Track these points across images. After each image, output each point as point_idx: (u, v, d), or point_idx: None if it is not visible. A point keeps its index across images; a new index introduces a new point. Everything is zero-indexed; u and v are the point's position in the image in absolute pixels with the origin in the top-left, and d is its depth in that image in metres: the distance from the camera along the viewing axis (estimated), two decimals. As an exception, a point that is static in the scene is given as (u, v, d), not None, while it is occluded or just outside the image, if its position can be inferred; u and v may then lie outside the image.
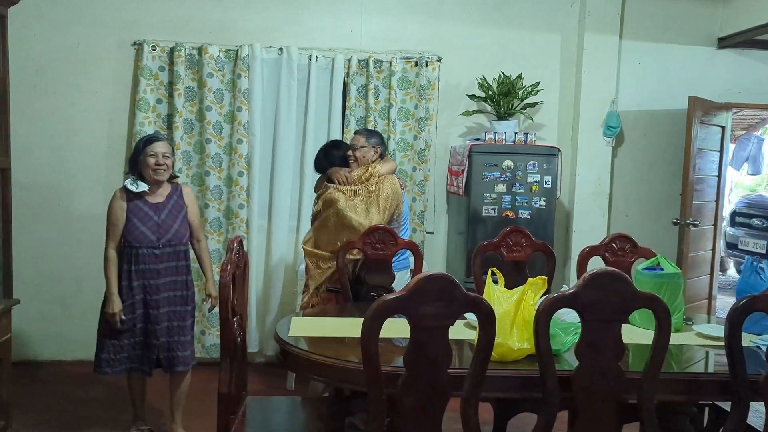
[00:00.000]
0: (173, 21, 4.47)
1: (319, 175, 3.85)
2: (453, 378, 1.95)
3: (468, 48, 4.74)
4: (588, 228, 4.73)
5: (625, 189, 4.93)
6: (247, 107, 4.44)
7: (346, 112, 4.56)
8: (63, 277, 4.49)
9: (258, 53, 4.44)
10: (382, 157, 3.68)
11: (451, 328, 1.92)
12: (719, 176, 5.05)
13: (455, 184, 4.49)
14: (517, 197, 4.32)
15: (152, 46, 4.38)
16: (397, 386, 1.93)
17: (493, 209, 4.30)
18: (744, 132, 9.26)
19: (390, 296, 1.89)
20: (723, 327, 2.16)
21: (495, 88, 4.56)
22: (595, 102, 4.75)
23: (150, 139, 3.20)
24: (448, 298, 1.88)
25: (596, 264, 2.96)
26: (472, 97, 4.65)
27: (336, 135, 4.48)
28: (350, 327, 2.53)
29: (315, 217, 3.68)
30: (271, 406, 3.00)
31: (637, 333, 2.60)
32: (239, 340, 2.53)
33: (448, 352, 1.93)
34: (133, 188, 3.12)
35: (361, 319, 1.89)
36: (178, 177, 3.41)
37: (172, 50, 4.39)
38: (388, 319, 1.87)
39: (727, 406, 2.32)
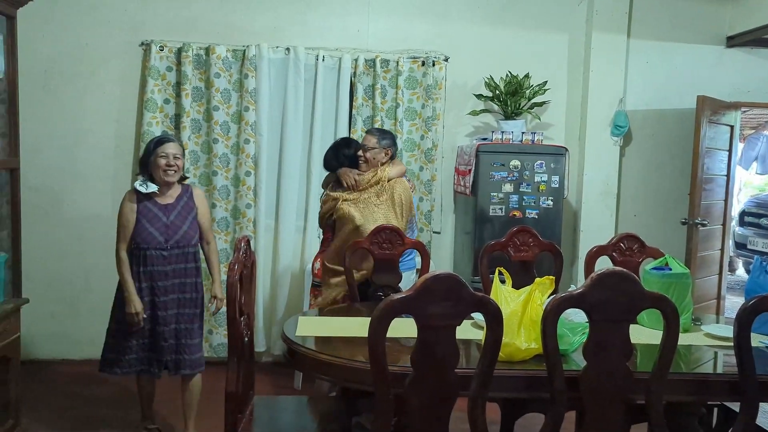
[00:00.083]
0: (181, 21, 4.48)
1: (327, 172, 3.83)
2: (460, 378, 1.95)
3: (475, 47, 4.73)
4: (596, 228, 4.71)
5: (633, 188, 4.91)
6: (254, 107, 4.45)
7: (353, 111, 4.56)
8: (72, 276, 4.51)
9: (265, 53, 4.45)
10: (392, 158, 3.62)
11: (458, 327, 1.92)
12: (728, 176, 5.03)
13: (462, 183, 4.48)
14: (525, 197, 4.31)
15: (160, 47, 4.39)
16: (404, 386, 1.93)
17: (501, 209, 4.29)
18: (753, 131, 9.22)
19: (397, 296, 1.89)
20: (732, 327, 2.15)
21: (502, 88, 4.56)
22: (603, 101, 4.73)
23: (161, 140, 3.19)
24: (456, 297, 1.88)
25: (604, 264, 2.94)
26: (479, 96, 4.65)
27: (343, 135, 4.47)
28: (357, 327, 2.53)
29: (322, 218, 3.66)
30: (279, 405, 3.01)
31: (645, 333, 2.60)
32: (246, 339, 2.54)
33: (455, 352, 1.93)
34: (142, 189, 3.12)
35: (368, 319, 1.89)
36: (188, 178, 3.40)
37: (179, 50, 4.41)
38: (396, 319, 1.87)
39: (735, 406, 2.30)
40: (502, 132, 4.41)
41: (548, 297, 2.21)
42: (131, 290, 3.10)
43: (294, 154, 4.54)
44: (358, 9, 4.64)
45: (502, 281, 2.40)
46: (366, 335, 1.89)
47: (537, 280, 2.28)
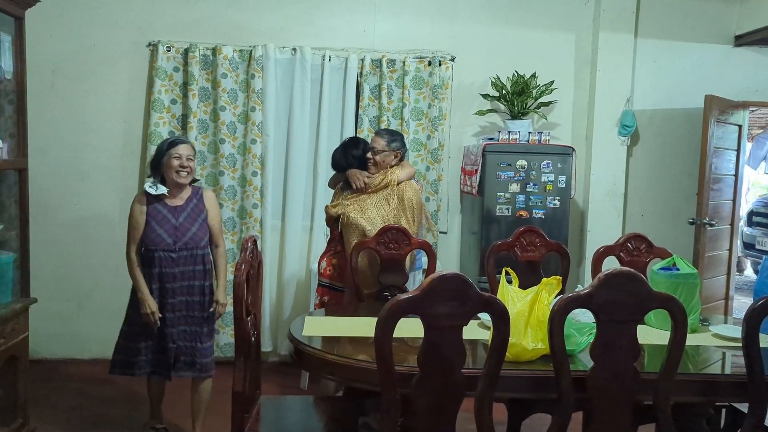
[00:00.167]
0: (187, 22, 4.49)
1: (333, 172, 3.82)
2: (467, 378, 1.95)
3: (482, 47, 4.73)
4: (603, 228, 4.70)
5: (641, 188, 4.89)
6: (260, 107, 4.46)
7: (360, 111, 4.56)
8: (79, 276, 4.53)
9: (272, 53, 4.46)
10: (401, 160, 3.59)
11: (464, 328, 1.92)
12: (736, 175, 5.00)
13: (469, 183, 4.48)
14: (531, 197, 4.30)
15: (167, 47, 4.41)
16: (410, 386, 1.93)
17: (507, 209, 4.29)
18: (761, 131, 9.16)
19: (403, 296, 1.89)
20: (740, 328, 2.14)
21: (509, 88, 4.55)
22: (610, 101, 4.72)
23: (174, 142, 3.18)
24: (462, 297, 1.88)
25: (611, 264, 2.93)
26: (485, 96, 4.64)
27: (349, 135, 4.46)
28: (364, 327, 2.54)
29: (330, 220, 3.65)
30: (285, 405, 3.01)
31: (652, 334, 2.59)
32: (253, 339, 2.55)
33: (461, 352, 1.93)
34: (152, 191, 3.11)
35: (375, 319, 1.89)
36: (199, 180, 3.39)
37: (186, 51, 4.42)
38: (402, 319, 1.87)
39: (744, 407, 2.29)
40: (509, 132, 4.40)
41: (555, 297, 2.21)
42: (144, 291, 3.10)
43: (300, 154, 4.55)
44: (364, 9, 4.64)
45: (509, 281, 2.39)
46: (372, 335, 1.89)
47: (544, 280, 2.28)
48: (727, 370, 2.45)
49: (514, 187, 4.29)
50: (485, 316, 2.36)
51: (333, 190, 3.78)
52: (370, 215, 3.42)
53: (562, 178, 4.32)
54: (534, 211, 4.30)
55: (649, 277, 2.79)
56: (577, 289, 2.09)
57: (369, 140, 3.78)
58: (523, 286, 2.39)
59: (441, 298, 1.87)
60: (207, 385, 3.28)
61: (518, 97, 4.53)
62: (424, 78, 4.60)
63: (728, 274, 5.06)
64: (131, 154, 4.53)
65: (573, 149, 4.40)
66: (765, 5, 4.63)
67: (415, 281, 3.54)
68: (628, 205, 4.87)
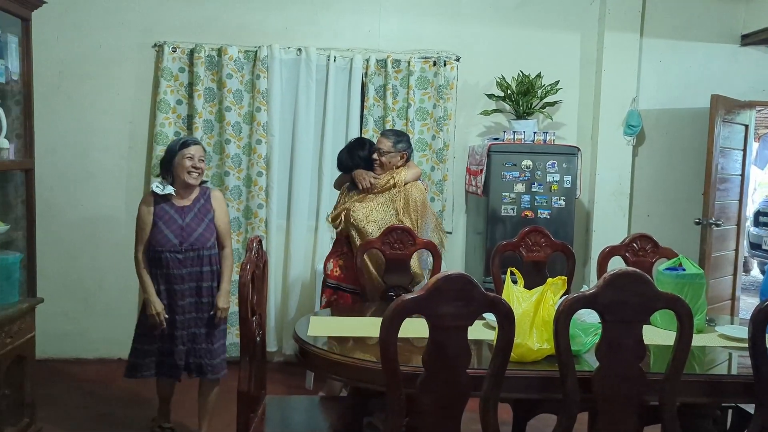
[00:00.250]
0: (193, 23, 4.50)
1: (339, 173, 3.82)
2: (472, 378, 1.95)
3: (487, 47, 4.72)
4: (608, 228, 4.68)
5: (646, 188, 4.88)
6: (266, 108, 4.46)
7: (365, 112, 4.57)
8: (85, 276, 4.55)
9: (277, 54, 4.46)
10: (407, 160, 3.58)
11: (470, 328, 1.92)
12: (742, 175, 4.98)
13: (474, 183, 4.47)
14: (537, 197, 4.29)
15: (172, 48, 4.42)
16: (415, 386, 1.93)
17: (512, 209, 4.28)
18: (768, 130, 9.13)
19: (408, 296, 1.89)
20: (746, 328, 2.13)
21: (514, 88, 4.54)
22: (616, 101, 4.70)
23: (186, 142, 3.17)
24: (467, 298, 1.88)
25: (617, 264, 2.93)
26: (490, 96, 4.63)
27: (354, 135, 4.47)
28: (369, 327, 2.54)
29: (335, 221, 3.64)
30: (290, 405, 3.02)
31: (658, 334, 2.58)
32: (258, 339, 2.55)
33: (467, 353, 1.92)
34: (158, 191, 3.11)
35: (380, 319, 1.89)
36: (207, 181, 3.38)
37: (191, 51, 4.43)
38: (407, 319, 1.87)
39: (750, 408, 2.28)
40: (514, 132, 4.39)
41: (560, 297, 2.20)
42: (150, 291, 3.10)
43: (305, 154, 4.55)
44: (369, 9, 4.64)
45: (514, 281, 2.39)
46: (377, 335, 1.89)
47: (549, 280, 2.27)
48: (734, 371, 2.45)
49: (519, 187, 4.29)
50: (490, 317, 2.36)
51: (338, 192, 3.78)
52: (376, 216, 3.42)
53: (568, 178, 4.31)
54: (539, 211, 4.29)
55: (654, 277, 2.77)
56: (582, 290, 2.09)
57: (374, 140, 3.79)
58: (529, 286, 2.39)
59: (446, 299, 1.87)
60: (214, 385, 3.28)
61: (523, 97, 4.52)
62: (429, 78, 4.60)
63: (734, 274, 5.04)
64: (137, 155, 4.54)
65: (578, 149, 4.39)
66: (772, 4, 4.62)
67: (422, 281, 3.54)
68: (634, 205, 4.85)
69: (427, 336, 1.91)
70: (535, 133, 4.40)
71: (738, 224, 5.01)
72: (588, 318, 2.35)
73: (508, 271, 2.51)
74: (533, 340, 2.19)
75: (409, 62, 4.55)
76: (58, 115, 4.42)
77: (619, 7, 4.67)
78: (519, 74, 4.56)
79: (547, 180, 4.30)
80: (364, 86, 4.58)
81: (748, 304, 6.18)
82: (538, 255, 3.32)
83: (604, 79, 4.68)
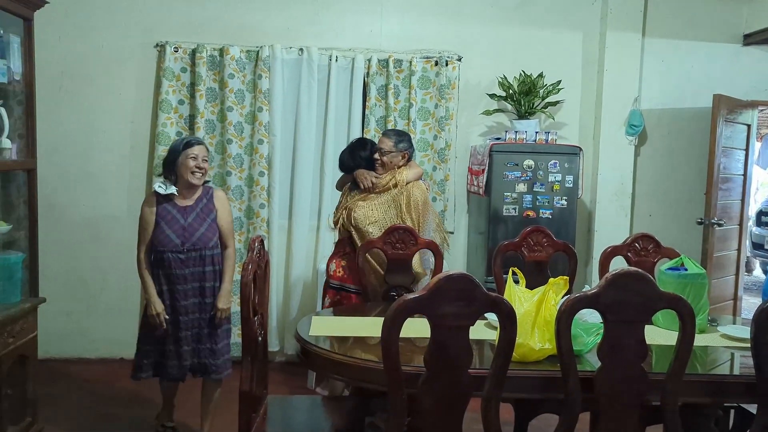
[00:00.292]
0: (195, 23, 4.51)
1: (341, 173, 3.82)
2: (474, 378, 1.95)
3: (488, 47, 4.72)
4: (610, 228, 4.68)
5: (648, 188, 4.87)
6: (267, 107, 4.47)
7: (366, 111, 4.57)
8: (87, 276, 4.55)
9: (279, 54, 4.46)
10: (409, 160, 3.58)
11: (471, 328, 1.92)
12: (745, 175, 4.98)
13: (476, 183, 4.47)
14: (538, 197, 4.29)
15: (174, 48, 4.42)
16: (417, 386, 1.93)
17: (514, 209, 4.28)
18: (770, 130, 9.12)
19: (410, 296, 1.89)
20: (749, 328, 2.13)
21: (516, 87, 4.54)
22: (618, 100, 4.70)
23: (190, 142, 3.15)
24: (469, 298, 1.88)
25: (619, 264, 2.93)
26: (492, 96, 4.63)
27: (356, 135, 4.47)
28: (371, 326, 2.54)
29: (337, 222, 3.64)
30: (292, 405, 3.02)
31: (660, 334, 2.58)
32: (260, 339, 2.55)
33: (468, 352, 1.92)
34: (161, 190, 3.11)
35: (382, 319, 1.89)
36: (209, 181, 3.38)
37: (193, 51, 4.43)
38: (409, 319, 1.87)
39: (753, 408, 2.28)
40: (516, 132, 4.39)
41: (562, 297, 2.20)
42: (151, 292, 3.10)
43: (307, 154, 4.55)
44: (371, 9, 4.64)
45: (516, 281, 2.39)
46: (379, 335, 1.89)
47: (551, 280, 2.27)
48: (736, 371, 2.44)
49: (521, 187, 4.28)
50: (492, 316, 2.36)
51: (339, 192, 3.78)
52: (377, 216, 3.43)
53: (570, 177, 4.31)
54: (541, 211, 4.29)
55: (656, 277, 2.77)
56: (584, 289, 2.08)
57: (376, 140, 3.79)
58: (530, 286, 2.39)
59: (448, 298, 1.87)
60: (217, 385, 3.29)
61: (525, 96, 4.52)
62: (431, 78, 4.60)
63: (737, 274, 5.03)
64: (139, 155, 4.54)
65: (580, 149, 4.39)
66: (774, 4, 4.61)
67: (423, 281, 3.54)
68: (636, 205, 4.85)
69: (429, 336, 1.91)
70: (536, 132, 4.40)
71: (740, 224, 5.00)
72: (590, 318, 2.35)
73: (510, 270, 2.51)
74: (535, 340, 2.19)
75: (410, 62, 4.55)
76: (61, 115, 4.43)
77: (621, 6, 4.67)
78: (521, 74, 4.55)
79: (549, 180, 4.29)
80: (365, 86, 4.58)
81: (751, 304, 6.17)
82: (540, 255, 3.32)
83: (606, 79, 4.68)
